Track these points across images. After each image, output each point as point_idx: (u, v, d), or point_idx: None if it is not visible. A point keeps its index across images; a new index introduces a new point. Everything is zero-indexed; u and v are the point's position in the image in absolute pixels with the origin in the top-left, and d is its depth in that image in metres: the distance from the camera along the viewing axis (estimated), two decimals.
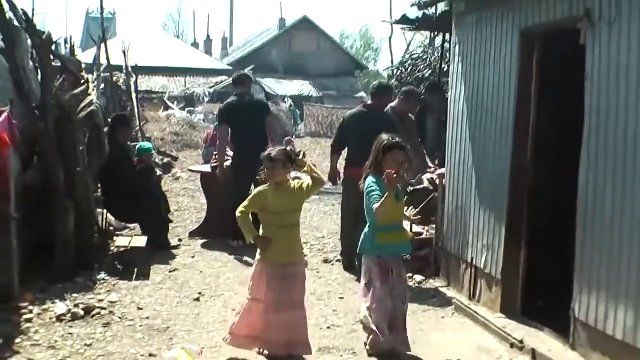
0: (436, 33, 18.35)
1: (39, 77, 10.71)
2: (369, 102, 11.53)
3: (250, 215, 7.68)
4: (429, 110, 13.39)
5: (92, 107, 11.33)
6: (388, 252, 7.56)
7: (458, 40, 10.07)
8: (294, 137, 31.62)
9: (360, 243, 7.67)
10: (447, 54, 14.59)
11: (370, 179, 7.45)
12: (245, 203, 7.57)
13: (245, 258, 11.68)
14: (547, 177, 9.34)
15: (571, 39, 7.48)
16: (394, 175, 7.08)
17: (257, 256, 7.52)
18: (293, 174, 8.60)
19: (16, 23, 10.36)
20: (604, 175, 6.89)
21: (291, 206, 7.50)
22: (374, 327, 7.42)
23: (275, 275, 7.35)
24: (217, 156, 13.93)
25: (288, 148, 7.59)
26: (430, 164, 11.99)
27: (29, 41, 10.88)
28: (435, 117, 13.44)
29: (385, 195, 7.13)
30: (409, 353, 7.58)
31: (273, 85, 54.44)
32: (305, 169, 7.42)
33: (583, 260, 7.17)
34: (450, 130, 10.23)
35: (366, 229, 7.61)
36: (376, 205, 7.23)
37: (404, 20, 14.31)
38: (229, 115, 12.77)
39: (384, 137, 7.57)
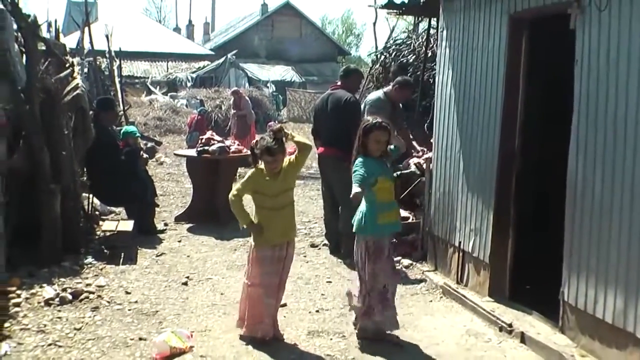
0: (421, 18, 18.36)
1: (24, 60, 10.66)
2: (338, 84, 11.48)
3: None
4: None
5: (78, 91, 11.27)
6: (387, 232, 7.58)
7: (445, 25, 10.06)
8: (276, 122, 31.53)
9: (357, 223, 7.49)
10: (432, 39, 14.62)
11: (358, 160, 7.41)
12: (239, 186, 7.52)
13: (232, 242, 11.71)
14: (535, 162, 9.36)
15: (560, 24, 7.51)
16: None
17: (252, 241, 7.52)
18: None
19: (1, 6, 10.30)
20: (593, 160, 6.91)
21: (285, 186, 7.42)
22: (363, 307, 7.50)
23: (272, 258, 7.39)
24: (202, 140, 13.95)
25: (272, 129, 7.50)
26: (417, 147, 11.96)
27: (14, 24, 10.81)
28: None
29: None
30: (398, 336, 7.63)
31: (255, 70, 54.22)
32: (294, 139, 7.35)
33: (572, 244, 7.19)
34: (437, 115, 10.22)
35: (363, 209, 7.47)
36: (355, 189, 7.19)
37: (390, 5, 14.26)
38: None
39: (367, 118, 7.62)
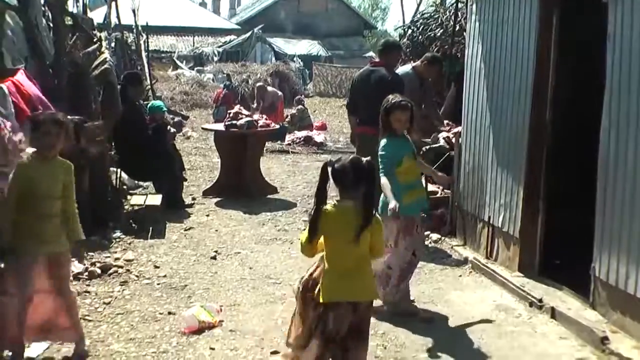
0: None
1: (52, 35, 10.66)
2: (376, 60, 11.31)
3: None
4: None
5: (106, 65, 11.27)
6: (414, 211, 7.54)
7: None
8: (303, 96, 31.39)
9: (382, 205, 7.31)
10: (460, 13, 14.50)
11: (383, 141, 7.40)
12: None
13: (260, 217, 11.71)
14: (565, 135, 9.27)
15: None
16: None
17: None
18: None
19: None
20: (625, 134, 6.82)
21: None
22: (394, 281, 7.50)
23: None
24: (230, 114, 13.94)
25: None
26: (445, 122, 11.82)
27: None
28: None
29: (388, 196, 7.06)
30: (429, 310, 7.70)
31: (282, 44, 54.10)
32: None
33: (604, 220, 7.12)
34: (466, 88, 10.14)
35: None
36: (383, 180, 7.17)
37: None
38: None
39: (389, 97, 7.50)
